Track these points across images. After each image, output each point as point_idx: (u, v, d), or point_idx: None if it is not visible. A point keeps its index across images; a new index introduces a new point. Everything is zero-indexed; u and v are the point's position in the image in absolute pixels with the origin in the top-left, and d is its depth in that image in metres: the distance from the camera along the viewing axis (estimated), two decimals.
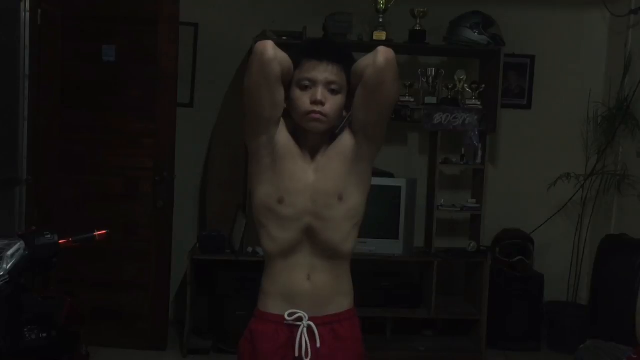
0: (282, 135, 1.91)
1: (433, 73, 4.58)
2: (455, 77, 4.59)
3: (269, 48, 1.80)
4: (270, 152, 1.90)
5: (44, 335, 2.24)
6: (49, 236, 2.19)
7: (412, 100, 4.58)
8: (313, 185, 1.90)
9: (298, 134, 1.93)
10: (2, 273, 2.07)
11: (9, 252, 2.10)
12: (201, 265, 4.38)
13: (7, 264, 2.08)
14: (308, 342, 1.86)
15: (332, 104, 1.87)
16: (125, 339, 4.29)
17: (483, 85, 4.58)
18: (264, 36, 4.41)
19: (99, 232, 2.29)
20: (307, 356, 1.85)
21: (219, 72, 4.74)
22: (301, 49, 1.94)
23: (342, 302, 1.95)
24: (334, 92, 1.87)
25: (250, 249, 4.39)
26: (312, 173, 1.91)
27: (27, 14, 3.94)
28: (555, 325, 4.66)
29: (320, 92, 1.85)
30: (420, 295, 4.52)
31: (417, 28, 4.54)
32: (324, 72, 1.86)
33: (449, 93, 4.60)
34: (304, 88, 1.87)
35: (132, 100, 4.31)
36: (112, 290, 4.34)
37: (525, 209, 4.89)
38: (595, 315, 4.32)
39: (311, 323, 1.87)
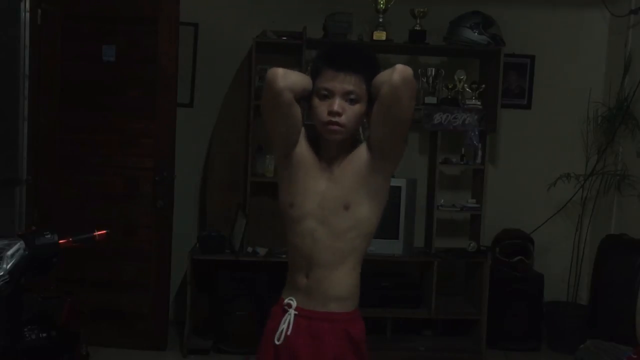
0: (301, 147, 1.99)
1: (433, 73, 4.58)
2: (455, 77, 4.59)
3: (279, 78, 1.84)
4: (288, 165, 1.99)
5: (44, 335, 2.24)
6: (49, 236, 2.19)
7: None
8: (323, 193, 1.95)
9: (320, 140, 1.97)
10: (2, 273, 2.06)
11: (9, 252, 2.10)
12: (201, 265, 4.37)
13: (7, 264, 2.08)
14: (285, 329, 1.96)
15: (349, 114, 1.89)
16: (125, 339, 4.29)
17: (483, 85, 4.58)
18: (264, 36, 4.42)
19: (98, 232, 2.28)
20: (278, 340, 1.96)
21: (219, 72, 4.74)
22: (322, 57, 1.96)
23: (338, 304, 2.00)
24: (352, 101, 1.89)
25: (250, 249, 4.39)
26: (325, 181, 1.96)
27: (27, 14, 3.94)
28: (555, 325, 4.65)
29: (337, 103, 1.87)
30: (420, 295, 4.52)
31: (417, 28, 4.54)
32: (342, 82, 1.87)
33: (449, 93, 4.60)
34: (323, 97, 1.90)
35: (132, 100, 4.31)
36: (112, 290, 4.34)
37: (525, 209, 4.89)
38: (595, 315, 4.32)
39: (296, 312, 1.96)
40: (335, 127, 1.89)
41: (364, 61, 1.93)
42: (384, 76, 1.84)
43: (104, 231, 2.30)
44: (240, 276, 4.35)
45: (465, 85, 4.60)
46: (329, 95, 1.89)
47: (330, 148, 1.96)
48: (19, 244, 2.13)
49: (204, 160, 4.84)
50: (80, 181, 4.33)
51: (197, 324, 4.50)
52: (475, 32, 4.45)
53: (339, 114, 1.87)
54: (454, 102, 4.56)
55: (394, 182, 4.39)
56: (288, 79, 1.86)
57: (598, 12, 4.90)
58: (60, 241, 2.21)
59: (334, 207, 1.93)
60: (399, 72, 1.80)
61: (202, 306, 4.49)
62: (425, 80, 4.61)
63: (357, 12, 4.53)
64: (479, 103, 4.55)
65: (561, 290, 4.80)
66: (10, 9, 3.88)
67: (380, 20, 4.49)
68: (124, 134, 4.31)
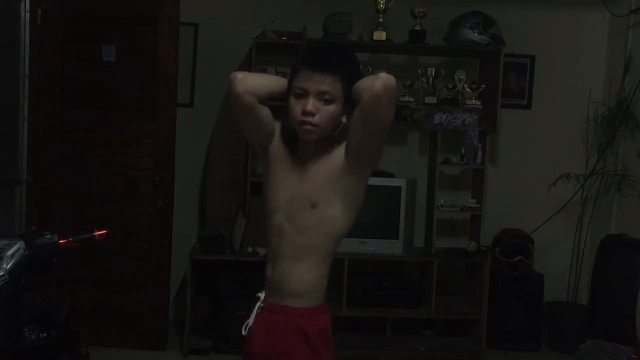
0: (276, 144, 2.01)
1: (433, 73, 4.58)
2: (455, 77, 4.59)
3: (236, 82, 1.89)
4: (267, 161, 2.04)
5: (44, 335, 2.24)
6: (49, 236, 2.19)
7: (412, 100, 4.58)
8: (293, 189, 1.97)
9: (298, 138, 1.99)
10: (2, 273, 2.07)
11: (9, 252, 2.10)
12: (201, 265, 4.37)
13: (7, 264, 2.09)
14: (251, 321, 2.04)
15: (323, 114, 1.89)
16: (125, 339, 4.29)
17: (483, 85, 4.58)
18: (264, 36, 4.42)
19: (98, 232, 2.29)
20: (244, 330, 2.05)
21: (219, 72, 4.73)
22: (300, 56, 1.97)
23: (293, 299, 1.99)
24: (327, 101, 1.89)
25: (250, 249, 4.39)
26: (297, 178, 1.98)
27: (27, 14, 3.94)
28: (555, 325, 4.65)
29: (310, 103, 1.88)
30: (420, 295, 4.52)
31: (417, 28, 4.54)
32: (317, 82, 1.87)
33: (449, 93, 4.60)
34: (299, 97, 1.91)
35: (132, 100, 4.31)
36: (112, 290, 4.34)
37: (525, 209, 4.89)
38: (595, 315, 4.32)
39: (262, 304, 2.03)
40: (309, 127, 1.90)
41: (341, 62, 1.92)
42: (366, 83, 1.83)
43: (104, 231, 2.30)
44: (240, 276, 4.34)
45: (465, 85, 4.60)
46: (304, 94, 1.89)
47: (306, 146, 1.97)
48: (19, 244, 2.14)
49: (204, 160, 4.84)
50: (80, 181, 4.33)
51: (197, 324, 4.50)
52: (475, 32, 4.45)
53: (312, 114, 1.88)
54: (454, 102, 4.56)
55: (394, 182, 4.41)
56: (246, 83, 1.89)
57: (598, 12, 4.90)
58: (60, 241, 2.21)
59: (301, 203, 1.95)
60: (381, 80, 1.78)
61: (202, 306, 4.49)
62: (425, 80, 4.61)
63: (357, 12, 4.53)
64: (479, 103, 4.55)
65: (561, 290, 4.80)
66: (10, 9, 3.88)
67: (380, 20, 4.49)
68: (124, 134, 4.31)
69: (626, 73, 4.64)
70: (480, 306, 4.46)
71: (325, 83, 1.88)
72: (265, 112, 1.97)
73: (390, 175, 4.48)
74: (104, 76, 4.29)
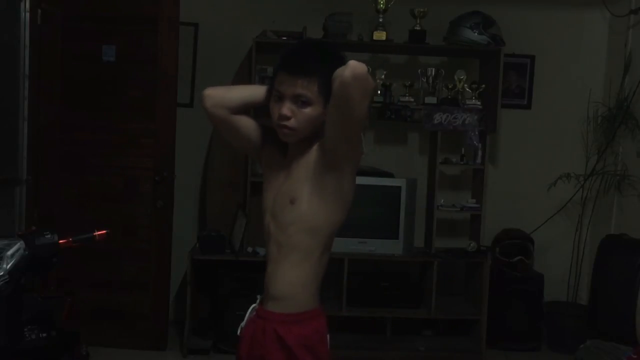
0: (267, 150, 2.04)
1: (433, 73, 4.59)
2: (455, 77, 4.59)
3: (204, 99, 1.97)
4: (262, 167, 2.10)
5: (44, 335, 2.24)
6: (49, 236, 2.19)
7: (412, 100, 4.58)
8: (278, 187, 1.98)
9: None
10: (2, 273, 2.07)
11: (9, 252, 2.10)
12: (201, 265, 4.38)
13: (7, 264, 2.08)
14: (244, 324, 2.04)
15: (300, 117, 1.88)
16: (125, 339, 4.29)
17: (483, 85, 4.58)
18: (264, 36, 4.42)
19: (98, 232, 2.28)
20: (239, 333, 2.04)
21: (219, 72, 4.74)
22: (280, 59, 1.94)
23: (274, 304, 1.96)
24: (303, 104, 1.87)
25: (250, 249, 4.39)
26: (283, 177, 1.99)
27: (27, 14, 3.94)
28: (555, 325, 4.65)
29: (286, 107, 1.87)
30: (420, 295, 4.52)
31: (417, 28, 4.54)
32: (291, 86, 1.86)
33: (449, 93, 4.60)
34: (277, 99, 1.91)
35: (132, 100, 4.31)
36: (112, 290, 4.34)
37: (525, 209, 4.89)
38: (595, 315, 4.32)
39: (255, 306, 2.02)
40: (286, 131, 1.90)
41: (318, 63, 1.87)
42: (337, 72, 1.74)
43: (104, 231, 2.30)
44: (240, 276, 4.34)
45: (465, 85, 4.60)
46: (281, 97, 1.89)
47: (292, 146, 1.98)
48: (19, 244, 2.14)
49: (204, 160, 4.84)
50: (80, 181, 4.33)
51: (197, 324, 4.50)
52: (475, 32, 4.45)
53: (287, 118, 1.87)
54: (454, 102, 4.56)
55: (394, 182, 4.41)
56: (213, 98, 1.96)
57: (598, 12, 4.90)
58: (60, 241, 2.21)
59: (283, 200, 1.95)
60: (350, 68, 1.69)
61: (202, 306, 4.49)
62: (425, 80, 4.61)
63: (357, 12, 4.53)
64: (479, 103, 4.55)
65: (561, 290, 4.81)
66: (10, 9, 3.88)
67: (380, 20, 4.49)
68: (124, 134, 4.31)
69: (626, 73, 4.64)
70: (480, 306, 4.45)
71: (300, 86, 1.85)
72: (244, 122, 2.00)
73: (390, 175, 4.48)
74: (104, 76, 4.29)
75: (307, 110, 1.87)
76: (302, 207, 1.91)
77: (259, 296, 2.05)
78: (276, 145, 2.01)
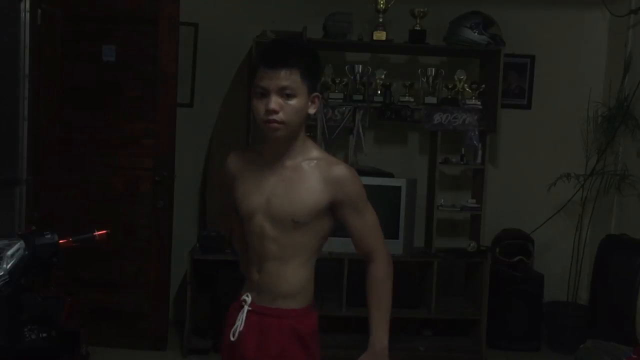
0: (236, 175, 2.06)
1: (433, 73, 4.58)
2: (455, 77, 4.59)
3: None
4: (233, 187, 2.08)
5: (44, 335, 2.24)
6: (49, 236, 2.19)
7: (412, 100, 4.58)
8: (270, 189, 1.97)
9: (267, 138, 1.98)
10: (2, 273, 2.07)
11: (9, 252, 2.10)
12: (201, 265, 4.37)
13: (7, 264, 2.08)
14: (239, 325, 2.02)
15: (287, 110, 1.88)
16: (125, 339, 4.29)
17: (483, 85, 4.58)
18: (264, 36, 4.42)
19: (99, 232, 2.28)
20: (233, 336, 2.02)
21: (219, 72, 4.74)
22: (257, 56, 1.98)
23: (285, 301, 2.01)
24: (289, 96, 1.88)
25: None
26: (274, 178, 1.97)
27: (27, 14, 3.93)
28: (555, 325, 4.66)
29: (273, 101, 1.87)
30: (420, 295, 4.52)
31: (417, 28, 4.54)
32: (275, 79, 1.86)
33: (449, 93, 4.60)
34: (260, 96, 1.90)
35: (132, 100, 4.31)
36: (112, 290, 4.34)
37: (525, 209, 4.89)
38: (595, 315, 4.32)
39: (250, 308, 2.03)
40: (275, 125, 1.88)
41: (295, 54, 1.90)
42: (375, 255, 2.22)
43: (104, 231, 2.29)
44: (240, 276, 4.33)
45: (465, 85, 4.60)
46: (265, 93, 1.88)
47: (277, 145, 1.96)
48: (19, 244, 2.13)
49: (204, 160, 4.84)
50: (80, 181, 4.33)
51: (197, 324, 4.50)
52: (475, 32, 4.45)
53: (275, 112, 1.87)
54: (454, 102, 4.56)
55: (394, 182, 4.41)
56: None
57: (598, 12, 4.90)
58: (60, 241, 2.21)
59: (280, 202, 1.95)
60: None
61: (202, 306, 4.49)
62: (425, 80, 4.61)
63: (357, 12, 4.53)
64: (479, 103, 4.55)
65: (561, 290, 4.81)
66: (10, 9, 3.87)
67: (380, 20, 4.49)
68: (124, 134, 4.31)
69: (626, 73, 4.64)
70: (480, 306, 4.46)
71: (285, 78, 1.86)
72: (231, 203, 2.09)
73: (390, 175, 4.48)
74: (104, 76, 4.29)
75: (293, 102, 1.88)
76: (305, 220, 1.95)
77: (247, 297, 2.06)
78: (245, 159, 2.05)
